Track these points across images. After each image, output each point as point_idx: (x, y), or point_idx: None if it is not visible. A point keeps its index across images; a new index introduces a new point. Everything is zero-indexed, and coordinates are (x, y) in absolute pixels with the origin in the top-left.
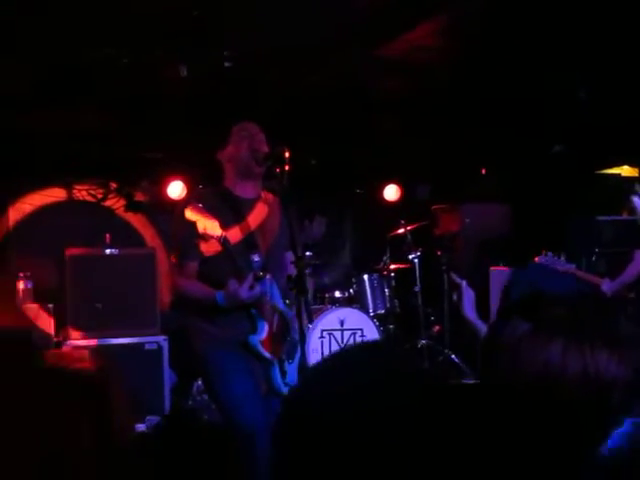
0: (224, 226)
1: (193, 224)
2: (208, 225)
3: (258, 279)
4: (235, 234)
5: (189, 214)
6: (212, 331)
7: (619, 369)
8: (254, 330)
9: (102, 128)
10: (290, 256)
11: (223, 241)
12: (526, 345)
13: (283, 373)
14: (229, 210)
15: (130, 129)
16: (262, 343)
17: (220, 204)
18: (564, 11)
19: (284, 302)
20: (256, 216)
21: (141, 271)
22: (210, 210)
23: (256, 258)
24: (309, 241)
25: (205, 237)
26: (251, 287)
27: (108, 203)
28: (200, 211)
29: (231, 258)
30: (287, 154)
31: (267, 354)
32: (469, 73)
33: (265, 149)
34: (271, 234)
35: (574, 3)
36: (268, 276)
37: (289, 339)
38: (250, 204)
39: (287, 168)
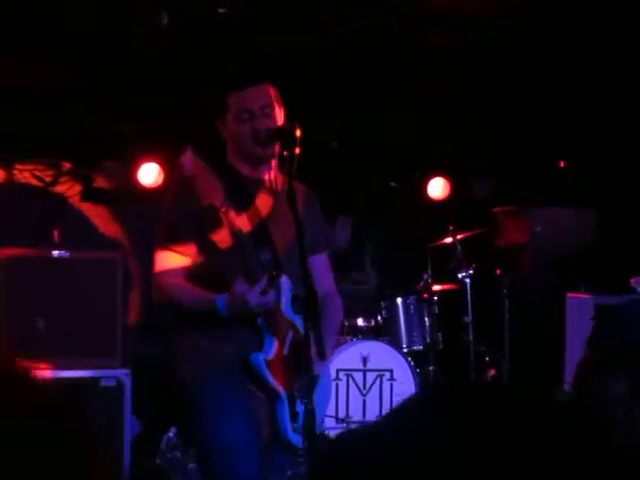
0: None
1: (194, 196)
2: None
3: (273, 280)
4: (243, 224)
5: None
6: (206, 347)
7: None
8: (260, 347)
9: (54, 89)
10: (318, 262)
11: (237, 233)
12: (623, 415)
13: (293, 415)
14: (234, 191)
15: (92, 92)
16: (269, 366)
17: (222, 183)
18: None
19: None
20: (268, 202)
21: (99, 281)
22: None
23: (266, 255)
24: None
25: (212, 218)
26: (264, 292)
27: (59, 189)
28: (206, 177)
29: (242, 255)
30: (298, 132)
31: (274, 383)
32: (545, 28)
33: (276, 122)
34: (289, 227)
35: None
36: (284, 278)
37: (306, 369)
38: (261, 186)
39: (298, 151)
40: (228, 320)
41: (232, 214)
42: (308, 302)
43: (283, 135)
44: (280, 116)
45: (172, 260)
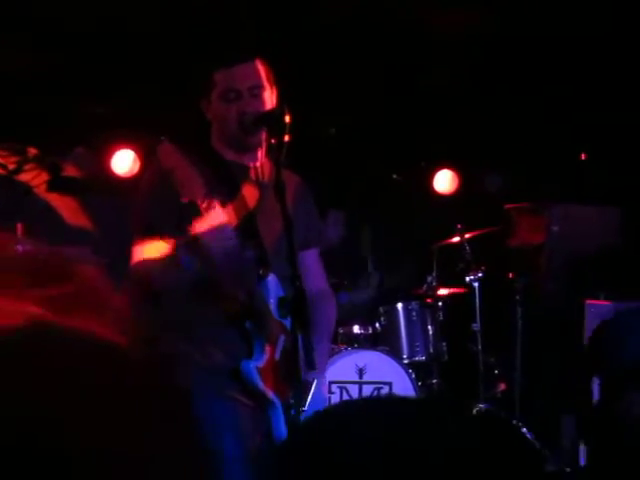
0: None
1: (172, 191)
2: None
3: (260, 280)
4: (228, 217)
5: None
6: (191, 355)
7: None
8: (249, 353)
9: (21, 70)
10: (310, 258)
11: None
12: None
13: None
14: (218, 181)
15: (62, 74)
16: (261, 373)
17: (205, 172)
18: None
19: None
20: (255, 192)
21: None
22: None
23: (252, 252)
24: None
25: (193, 214)
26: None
27: (24, 177)
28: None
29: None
30: (287, 118)
31: (267, 391)
32: (564, 13)
33: (265, 105)
34: (277, 221)
35: None
36: (271, 277)
37: (295, 378)
38: (248, 174)
39: (287, 138)
40: (199, 279)
41: (215, 208)
42: (296, 305)
43: (271, 121)
44: (271, 98)
45: (149, 251)
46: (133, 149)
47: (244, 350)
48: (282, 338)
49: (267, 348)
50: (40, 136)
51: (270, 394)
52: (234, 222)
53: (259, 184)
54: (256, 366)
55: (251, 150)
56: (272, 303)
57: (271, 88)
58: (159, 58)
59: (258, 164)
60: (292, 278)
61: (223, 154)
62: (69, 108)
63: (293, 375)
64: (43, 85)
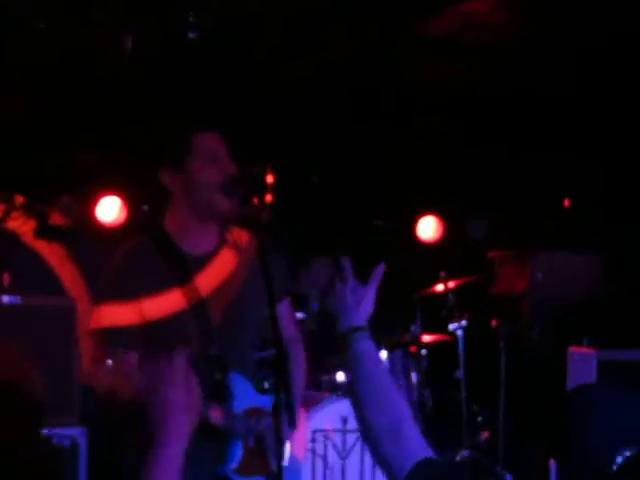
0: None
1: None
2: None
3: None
4: (177, 302)
5: None
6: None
7: None
8: (223, 458)
9: (7, 119)
10: (282, 312)
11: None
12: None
13: None
14: (167, 275)
15: (48, 121)
16: (240, 470)
17: (153, 269)
18: None
19: (260, 387)
20: (212, 278)
21: (54, 330)
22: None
23: (214, 350)
24: (306, 297)
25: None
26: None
27: (11, 225)
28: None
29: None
30: (270, 178)
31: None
32: (546, 60)
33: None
34: (233, 298)
35: None
36: (232, 376)
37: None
38: (203, 263)
39: (269, 198)
40: None
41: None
42: (278, 367)
43: (252, 181)
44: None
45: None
46: (119, 196)
47: (216, 454)
48: (249, 427)
49: (239, 445)
50: (27, 184)
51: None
52: (184, 309)
53: (221, 260)
54: (234, 468)
55: (221, 218)
56: (237, 399)
57: None
58: (143, 111)
59: (224, 234)
60: (274, 341)
61: (177, 241)
62: (55, 156)
63: (270, 447)
64: (30, 134)
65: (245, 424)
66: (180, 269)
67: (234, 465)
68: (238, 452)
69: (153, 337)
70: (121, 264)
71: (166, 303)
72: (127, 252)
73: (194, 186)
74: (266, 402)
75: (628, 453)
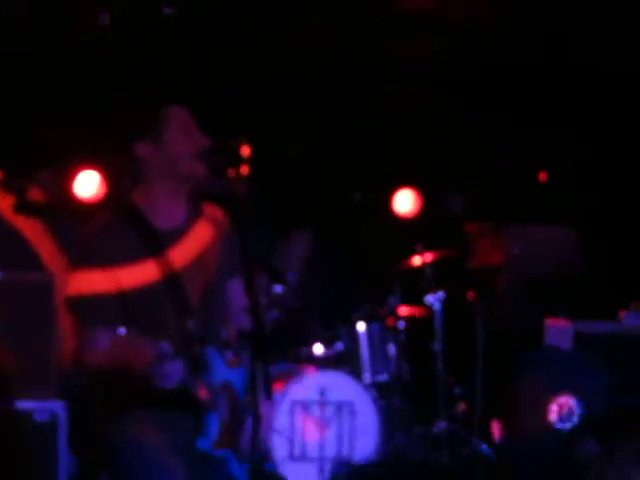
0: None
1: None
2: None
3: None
4: (150, 273)
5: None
6: (137, 436)
7: None
8: (203, 430)
9: None
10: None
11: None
12: (596, 473)
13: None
14: (139, 248)
15: (26, 96)
16: (217, 444)
17: (125, 241)
18: None
19: (229, 365)
20: (186, 251)
21: (32, 305)
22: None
23: (191, 324)
24: (285, 270)
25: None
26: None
27: None
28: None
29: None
30: (246, 150)
31: (222, 452)
32: (518, 34)
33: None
34: (209, 273)
35: None
36: (210, 348)
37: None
38: (175, 236)
39: (245, 171)
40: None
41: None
42: (256, 336)
43: (228, 153)
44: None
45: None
46: (98, 171)
47: (193, 428)
48: (225, 398)
49: (216, 419)
50: (4, 160)
51: (223, 452)
52: (158, 282)
53: (195, 234)
54: (211, 442)
55: (197, 186)
56: (212, 372)
57: None
58: (121, 84)
59: (197, 208)
60: (252, 308)
61: (147, 215)
62: (33, 132)
63: (242, 421)
64: (6, 110)
65: (220, 397)
66: (152, 242)
67: (211, 438)
68: (215, 426)
69: (128, 307)
70: (95, 234)
71: (140, 273)
72: (100, 223)
73: (171, 156)
74: (237, 377)
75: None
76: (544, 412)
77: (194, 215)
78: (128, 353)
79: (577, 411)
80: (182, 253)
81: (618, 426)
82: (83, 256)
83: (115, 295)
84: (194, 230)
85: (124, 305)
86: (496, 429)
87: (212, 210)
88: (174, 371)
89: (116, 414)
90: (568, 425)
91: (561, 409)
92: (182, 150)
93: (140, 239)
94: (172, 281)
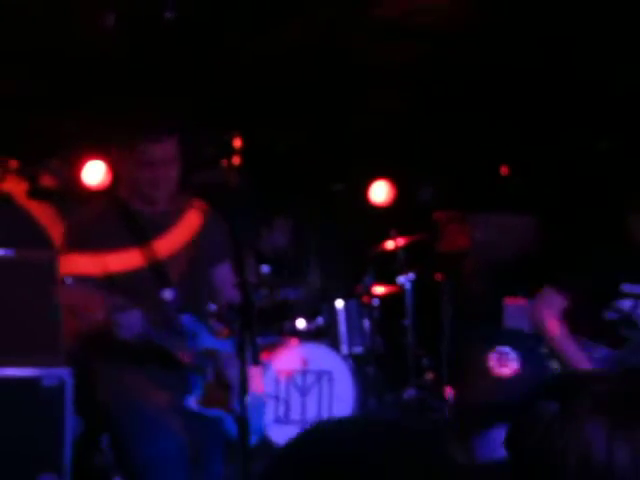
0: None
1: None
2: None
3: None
4: (134, 259)
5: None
6: (129, 390)
7: None
8: (188, 389)
9: (1, 88)
10: (230, 275)
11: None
12: (557, 431)
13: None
14: (126, 236)
15: (39, 91)
16: (203, 402)
17: (113, 230)
18: None
19: (214, 335)
20: (172, 241)
21: (40, 280)
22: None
23: (168, 295)
24: (270, 253)
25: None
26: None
27: (5, 187)
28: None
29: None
30: (238, 143)
31: (214, 412)
32: (486, 44)
33: (174, 173)
34: (196, 259)
35: None
36: (187, 316)
37: (242, 380)
38: (163, 226)
39: (237, 161)
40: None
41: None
42: (244, 308)
43: (223, 145)
44: (178, 170)
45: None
46: (104, 160)
47: (181, 386)
48: (210, 364)
49: (200, 380)
50: (19, 150)
51: (217, 412)
52: (143, 267)
53: (181, 221)
54: (197, 399)
55: (157, 202)
56: (194, 338)
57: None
58: (121, 83)
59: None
60: (240, 284)
61: (130, 204)
62: (45, 125)
63: (230, 386)
64: (21, 105)
65: (204, 361)
66: (139, 231)
67: (195, 396)
68: (199, 385)
69: (114, 288)
70: (86, 222)
71: (126, 259)
72: (92, 212)
73: (126, 179)
74: (225, 346)
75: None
76: (485, 361)
77: (183, 205)
78: (79, 300)
79: (514, 358)
80: (169, 241)
81: (576, 385)
82: (74, 241)
83: (102, 278)
84: (183, 220)
85: (111, 287)
86: (449, 393)
87: (200, 202)
88: (130, 322)
89: (111, 376)
90: (506, 371)
91: (500, 356)
92: (131, 175)
93: (127, 228)
94: (155, 267)
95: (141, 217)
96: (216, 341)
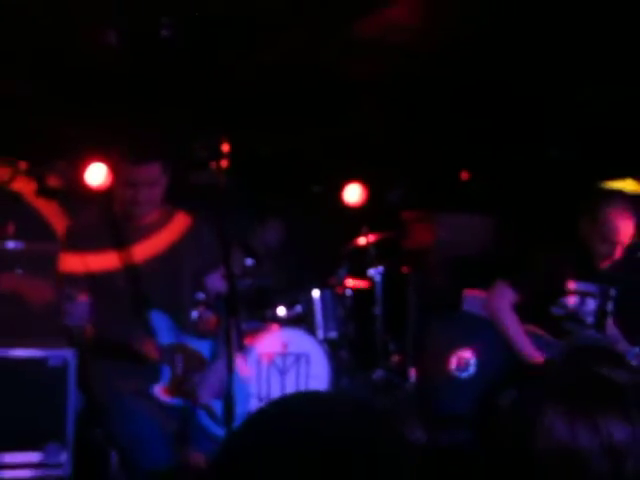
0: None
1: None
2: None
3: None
4: (110, 262)
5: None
6: (108, 377)
7: (633, 435)
8: (155, 379)
9: (12, 95)
10: (217, 275)
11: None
12: (519, 418)
13: (211, 413)
14: (108, 242)
15: (46, 99)
16: (168, 391)
17: (98, 235)
18: None
19: (193, 333)
20: (150, 243)
21: (45, 269)
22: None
23: (140, 294)
24: (262, 250)
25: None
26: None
27: (15, 186)
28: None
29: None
30: (226, 147)
31: (176, 401)
32: (451, 60)
33: (158, 194)
34: (171, 260)
35: None
36: (156, 313)
37: (229, 365)
38: (142, 230)
39: (224, 164)
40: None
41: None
42: (230, 298)
43: (210, 148)
44: (162, 189)
45: None
46: (105, 163)
47: (150, 376)
48: (180, 357)
49: (167, 370)
50: (28, 152)
51: (179, 402)
52: (119, 268)
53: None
54: (163, 387)
55: (139, 219)
56: (162, 333)
57: (164, 181)
58: (122, 94)
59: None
60: (227, 276)
61: (122, 214)
62: (52, 130)
63: (194, 381)
64: (31, 111)
65: (172, 355)
66: (119, 238)
67: (162, 385)
68: (166, 376)
69: (94, 284)
70: (77, 227)
71: (105, 261)
72: (84, 219)
73: (114, 194)
74: (194, 343)
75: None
76: (446, 363)
77: (167, 217)
78: (25, 288)
79: (473, 362)
80: (148, 247)
81: (531, 375)
82: (67, 243)
83: (84, 276)
84: (165, 229)
85: (91, 283)
86: (413, 373)
87: (184, 215)
88: (75, 310)
89: (92, 365)
90: (465, 374)
91: (459, 361)
92: (117, 193)
93: (110, 235)
94: (130, 269)
95: (126, 223)
96: (189, 337)
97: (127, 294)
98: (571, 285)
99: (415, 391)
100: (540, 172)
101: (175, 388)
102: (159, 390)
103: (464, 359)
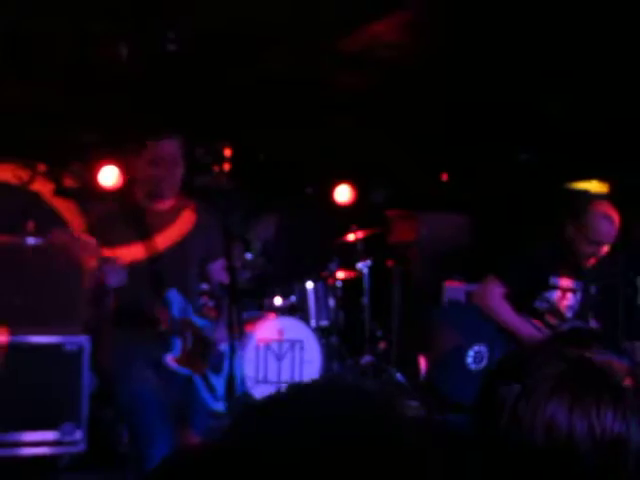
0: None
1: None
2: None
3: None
4: (138, 252)
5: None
6: (124, 349)
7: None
8: (168, 348)
9: (33, 103)
10: (218, 265)
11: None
12: (523, 410)
13: (211, 388)
14: (130, 230)
15: (64, 107)
16: (178, 361)
17: (118, 219)
18: (540, 12)
19: (199, 315)
20: (168, 233)
21: (64, 262)
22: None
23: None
24: (258, 243)
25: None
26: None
27: (34, 187)
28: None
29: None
30: (228, 152)
31: (184, 370)
32: (433, 73)
33: (180, 171)
34: (184, 248)
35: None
36: (172, 292)
37: (212, 352)
38: (161, 218)
39: (227, 167)
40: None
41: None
42: (232, 287)
43: (214, 153)
44: (180, 171)
45: None
46: (117, 165)
47: (163, 346)
48: (190, 332)
49: (179, 342)
50: (47, 155)
51: (187, 371)
52: (143, 257)
53: (178, 217)
54: (174, 357)
55: (163, 197)
56: (176, 310)
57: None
58: (132, 102)
59: (182, 202)
60: (228, 267)
61: (141, 203)
62: (68, 135)
63: (206, 354)
64: (50, 118)
65: (183, 328)
66: (143, 227)
67: (173, 355)
68: (178, 347)
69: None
70: (101, 219)
71: (132, 252)
72: (105, 211)
73: (139, 180)
74: (202, 323)
75: (477, 348)
76: (462, 356)
77: (182, 206)
78: (75, 246)
79: (487, 355)
80: (166, 237)
81: (532, 366)
82: (93, 235)
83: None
84: (180, 218)
85: None
86: (422, 363)
87: (195, 204)
88: (114, 272)
89: (110, 340)
90: (480, 366)
91: (476, 354)
92: (142, 178)
93: (134, 225)
94: (153, 258)
95: (147, 214)
96: (196, 318)
97: (147, 275)
98: (554, 280)
99: (425, 380)
100: (511, 174)
101: (184, 359)
102: (170, 359)
103: (480, 353)
